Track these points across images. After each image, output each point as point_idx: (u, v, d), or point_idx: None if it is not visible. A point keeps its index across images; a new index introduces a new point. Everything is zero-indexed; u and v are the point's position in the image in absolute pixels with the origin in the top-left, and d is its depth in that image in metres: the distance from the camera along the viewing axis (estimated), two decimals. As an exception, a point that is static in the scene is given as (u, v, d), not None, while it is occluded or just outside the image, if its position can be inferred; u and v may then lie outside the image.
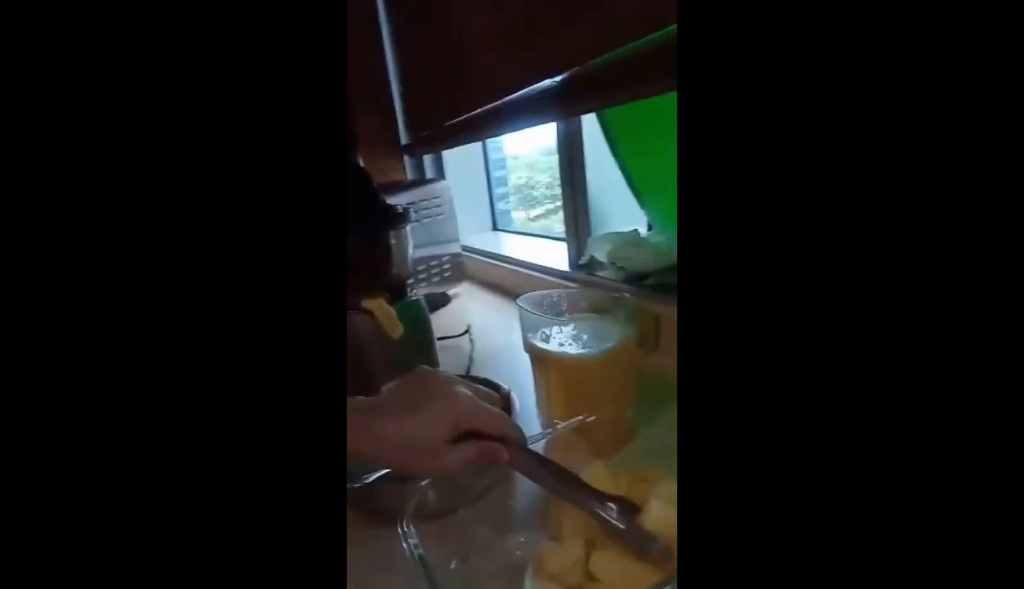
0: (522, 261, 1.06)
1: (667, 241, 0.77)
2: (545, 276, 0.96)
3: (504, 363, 0.75)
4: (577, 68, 0.66)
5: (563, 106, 0.76)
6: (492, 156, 1.39)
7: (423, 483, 0.37)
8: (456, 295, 1.12)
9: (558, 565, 0.33)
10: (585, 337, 0.51)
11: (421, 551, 0.31)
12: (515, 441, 0.36)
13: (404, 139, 1.31)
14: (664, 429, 0.51)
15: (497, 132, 1.06)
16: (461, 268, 1.14)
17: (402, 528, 0.32)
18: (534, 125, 0.91)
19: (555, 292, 0.57)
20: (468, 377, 0.63)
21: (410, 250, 0.67)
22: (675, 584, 0.27)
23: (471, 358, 0.78)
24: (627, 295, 0.64)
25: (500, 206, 1.42)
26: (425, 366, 0.39)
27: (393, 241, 0.64)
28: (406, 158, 1.33)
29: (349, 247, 0.62)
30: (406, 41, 1.19)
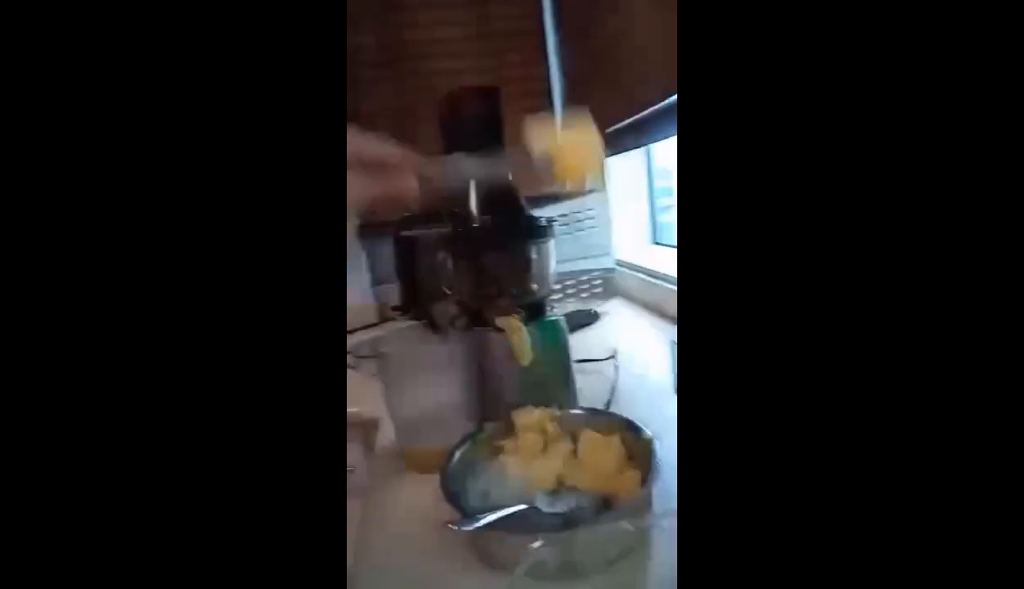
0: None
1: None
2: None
3: (654, 402, 0.64)
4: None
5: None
6: (656, 164, 1.28)
7: (539, 544, 0.33)
8: (606, 314, 1.04)
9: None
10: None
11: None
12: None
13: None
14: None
15: (662, 137, 0.96)
16: (613, 284, 1.06)
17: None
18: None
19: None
20: (604, 414, 0.55)
21: (552, 265, 0.62)
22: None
23: (613, 389, 0.69)
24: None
25: (661, 219, 1.30)
26: None
27: (535, 256, 0.60)
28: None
29: (486, 261, 0.60)
30: (571, 48, 1.16)
